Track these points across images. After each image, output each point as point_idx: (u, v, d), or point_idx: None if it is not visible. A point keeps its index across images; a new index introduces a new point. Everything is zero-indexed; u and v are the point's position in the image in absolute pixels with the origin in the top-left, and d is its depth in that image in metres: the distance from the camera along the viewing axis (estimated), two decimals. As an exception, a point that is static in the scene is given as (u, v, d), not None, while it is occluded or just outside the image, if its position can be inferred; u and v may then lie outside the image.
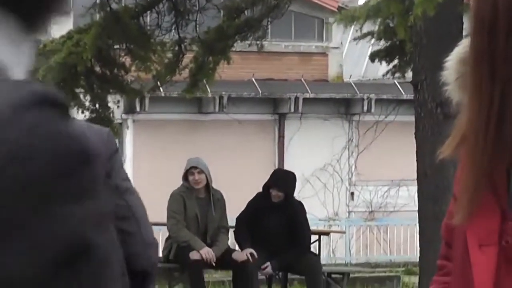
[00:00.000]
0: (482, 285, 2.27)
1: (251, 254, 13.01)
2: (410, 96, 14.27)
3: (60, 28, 17.32)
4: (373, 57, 15.13)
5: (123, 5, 14.32)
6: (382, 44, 14.51)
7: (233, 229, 14.17)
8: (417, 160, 12.73)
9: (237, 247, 14.31)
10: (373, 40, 14.68)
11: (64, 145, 1.18)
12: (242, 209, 14.02)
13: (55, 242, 1.09)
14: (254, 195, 14.11)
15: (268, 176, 14.21)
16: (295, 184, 14.24)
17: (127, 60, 13.69)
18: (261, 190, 13.91)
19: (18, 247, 1.03)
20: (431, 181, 12.79)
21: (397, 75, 15.80)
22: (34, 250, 1.09)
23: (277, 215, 13.46)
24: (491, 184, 2.37)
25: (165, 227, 13.02)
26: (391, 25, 12.67)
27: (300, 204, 14.15)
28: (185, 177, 13.57)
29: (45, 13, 1.57)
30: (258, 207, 13.73)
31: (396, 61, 14.53)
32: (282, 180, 14.04)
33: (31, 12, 1.57)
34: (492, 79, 2.33)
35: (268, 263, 13.24)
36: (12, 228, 1.06)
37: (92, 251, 1.16)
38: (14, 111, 1.04)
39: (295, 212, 13.77)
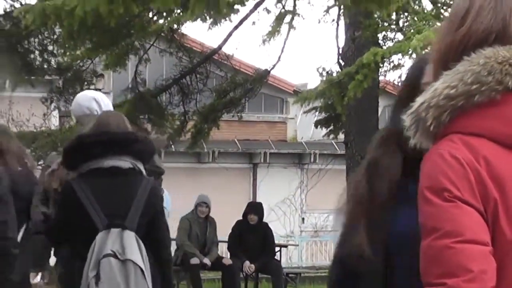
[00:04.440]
0: None
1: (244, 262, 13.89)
2: (343, 151, 14.18)
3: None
4: (317, 124, 15.11)
5: (146, 88, 14.25)
6: (323, 115, 14.50)
7: (226, 243, 14.88)
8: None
9: (224, 255, 15.15)
10: (317, 113, 14.67)
11: None
12: (228, 230, 14.48)
13: None
14: (236, 220, 14.48)
15: (245, 207, 14.71)
16: (263, 211, 14.67)
17: (148, 126, 13.63)
18: (241, 217, 14.28)
19: None
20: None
21: (333, 136, 15.85)
22: None
23: (254, 234, 14.07)
24: None
25: (175, 241, 13.23)
26: (329, 102, 12.64)
27: (267, 226, 14.52)
28: (196, 207, 13.94)
29: None
30: (241, 228, 14.18)
31: (332, 127, 14.53)
32: (256, 208, 14.64)
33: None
34: None
35: (251, 265, 13.88)
36: None
37: None
38: None
39: (265, 231, 14.27)
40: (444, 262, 1.86)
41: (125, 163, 5.10)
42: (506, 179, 1.94)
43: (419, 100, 2.01)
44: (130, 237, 5.04)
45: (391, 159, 2.44)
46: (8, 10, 11.96)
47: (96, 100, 6.44)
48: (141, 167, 5.16)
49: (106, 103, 6.49)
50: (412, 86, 2.47)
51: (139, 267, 4.95)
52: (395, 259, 2.40)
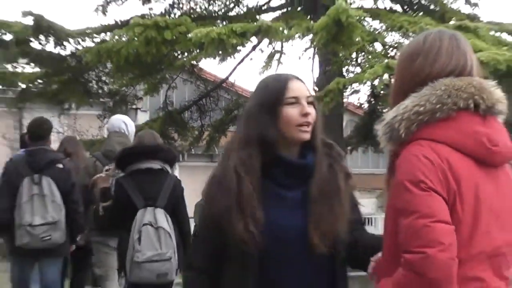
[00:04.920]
0: None
1: None
2: None
3: (143, 119, 17.22)
4: None
5: (174, 108, 14.24)
6: None
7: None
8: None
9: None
10: None
11: None
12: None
13: None
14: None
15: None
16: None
17: (175, 135, 13.63)
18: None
19: None
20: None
21: None
22: None
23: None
24: None
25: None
26: None
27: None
28: None
29: None
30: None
31: None
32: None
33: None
34: None
35: None
36: None
37: None
38: None
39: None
40: (423, 236, 1.90)
41: (155, 165, 5.53)
42: (461, 176, 2.00)
43: (391, 114, 2.10)
44: (160, 212, 5.42)
45: (253, 161, 2.30)
46: (73, 51, 11.97)
47: (124, 122, 6.91)
48: (168, 168, 5.60)
49: (130, 123, 6.94)
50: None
51: (168, 232, 5.31)
52: (267, 245, 2.25)
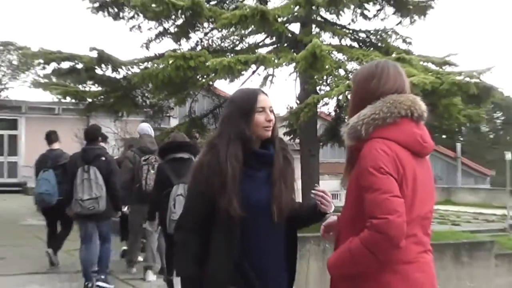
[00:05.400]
0: None
1: None
2: (298, 148, 13.03)
3: (173, 124, 17.12)
4: (285, 133, 14.39)
5: (196, 115, 14.15)
6: (288, 129, 13.44)
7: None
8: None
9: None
10: (285, 128, 14.26)
11: None
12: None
13: None
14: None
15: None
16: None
17: (197, 135, 13.53)
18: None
19: None
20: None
21: (293, 140, 15.29)
22: None
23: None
24: None
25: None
26: (291, 122, 12.44)
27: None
28: None
29: None
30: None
31: (292, 135, 13.54)
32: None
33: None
34: None
35: None
36: None
37: None
38: None
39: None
40: (384, 207, 1.91)
41: (185, 155, 5.71)
42: (405, 164, 2.00)
43: (354, 120, 2.10)
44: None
45: (239, 152, 2.26)
46: (125, 75, 12.02)
47: (149, 127, 7.64)
48: (193, 157, 5.70)
49: (151, 128, 7.72)
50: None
51: None
52: (245, 212, 2.21)
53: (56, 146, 7.61)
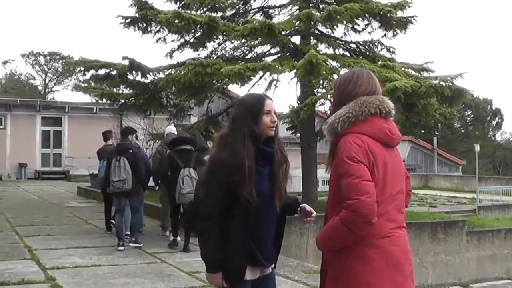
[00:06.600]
0: None
1: None
2: (298, 141, 13.02)
3: (193, 121, 17.06)
4: (287, 128, 14.40)
5: (212, 114, 14.03)
6: (289, 125, 13.18)
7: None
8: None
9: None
10: (287, 124, 13.31)
11: None
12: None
13: None
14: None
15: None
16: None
17: (213, 131, 13.45)
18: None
19: None
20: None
21: (294, 134, 14.69)
22: None
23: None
24: None
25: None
26: (292, 119, 12.35)
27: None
28: None
29: None
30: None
31: (294, 130, 13.29)
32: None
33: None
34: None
35: None
36: None
37: None
38: None
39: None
40: (357, 189, 1.90)
41: (188, 147, 6.84)
42: (375, 153, 1.99)
43: (332, 118, 2.09)
44: (191, 170, 6.69)
45: (253, 149, 2.26)
46: (152, 80, 12.04)
47: (174, 129, 8.82)
48: (193, 148, 6.87)
49: (175, 129, 8.75)
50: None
51: (195, 179, 6.52)
52: (258, 202, 2.23)
53: (110, 142, 8.95)
